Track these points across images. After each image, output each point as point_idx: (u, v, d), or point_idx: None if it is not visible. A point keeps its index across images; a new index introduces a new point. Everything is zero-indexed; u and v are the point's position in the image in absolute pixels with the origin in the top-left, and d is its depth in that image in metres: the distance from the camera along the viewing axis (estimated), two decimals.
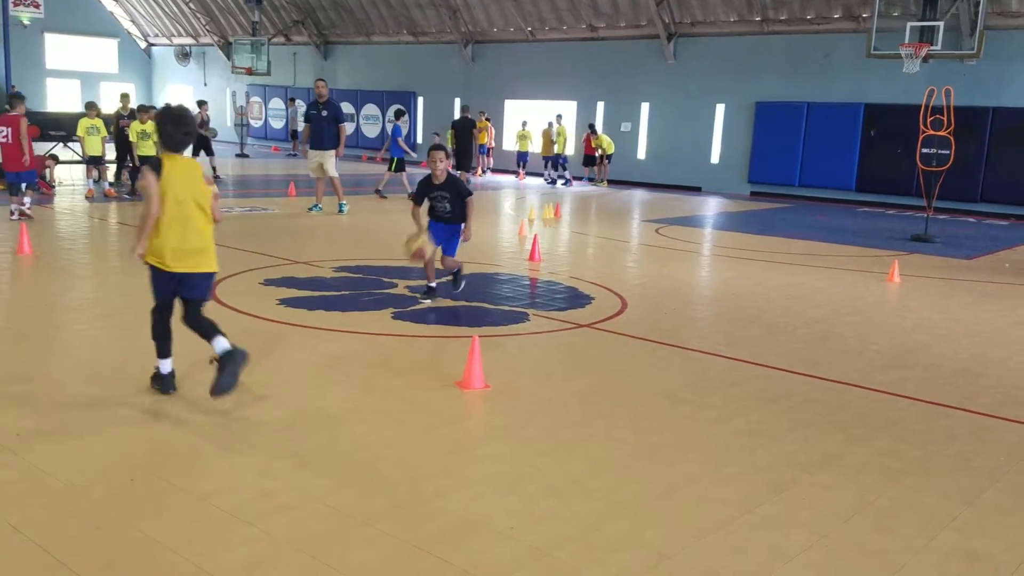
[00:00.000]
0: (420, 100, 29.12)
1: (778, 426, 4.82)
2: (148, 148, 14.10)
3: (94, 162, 14.76)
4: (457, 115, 26.25)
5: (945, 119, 13.44)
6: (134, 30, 37.95)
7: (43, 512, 3.39)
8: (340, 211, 13.86)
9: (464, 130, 19.03)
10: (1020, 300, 9.09)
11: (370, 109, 30.01)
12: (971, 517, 3.75)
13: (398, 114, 18.54)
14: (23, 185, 11.27)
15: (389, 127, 19.74)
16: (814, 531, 3.54)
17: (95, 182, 14.90)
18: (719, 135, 22.77)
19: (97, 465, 3.86)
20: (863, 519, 3.68)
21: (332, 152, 13.73)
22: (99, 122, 14.60)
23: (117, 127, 15.56)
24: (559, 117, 23.60)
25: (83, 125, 14.50)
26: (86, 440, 4.15)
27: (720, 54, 22.37)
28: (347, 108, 29.43)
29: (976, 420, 5.10)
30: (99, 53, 36.62)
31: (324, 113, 13.73)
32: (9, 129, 11.14)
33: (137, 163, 14.30)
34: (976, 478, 4.20)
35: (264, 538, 3.25)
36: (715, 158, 22.90)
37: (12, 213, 11.25)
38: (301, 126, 30.91)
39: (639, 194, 21.47)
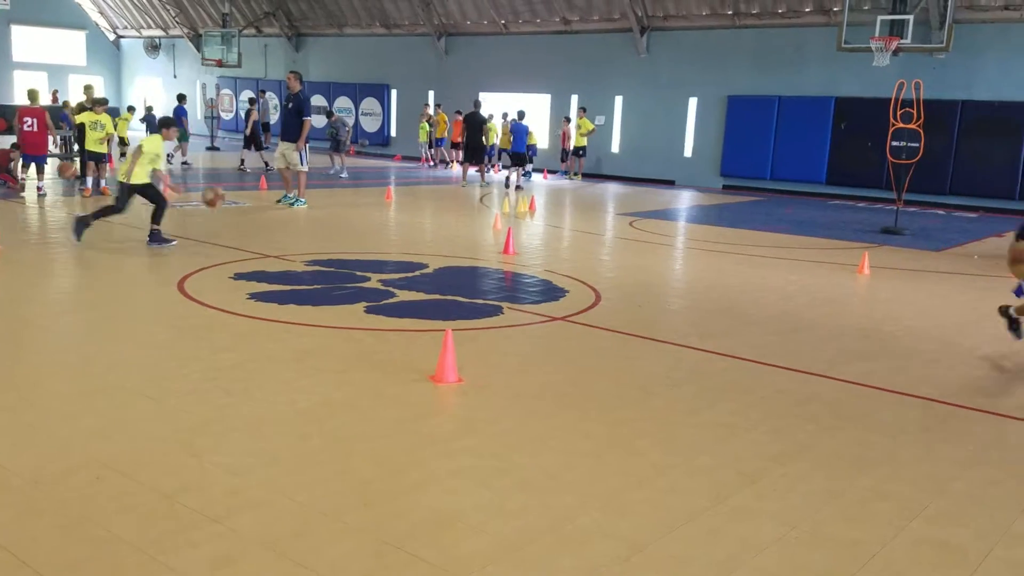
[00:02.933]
0: (393, 93, 28.95)
1: (749, 417, 4.83)
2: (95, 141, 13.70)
3: (94, 159, 14.12)
4: (427, 109, 26.27)
5: (915, 112, 13.56)
6: (102, 22, 37.38)
7: (5, 511, 3.32)
8: (291, 204, 13.73)
9: (476, 125, 19.51)
10: (988, 291, 9.20)
11: (343, 102, 29.77)
12: (941, 507, 3.78)
13: (521, 115, 20.30)
14: (44, 165, 13.80)
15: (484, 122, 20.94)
16: (785, 522, 3.55)
17: (94, 181, 14.13)
18: (692, 129, 22.83)
19: (62, 462, 3.79)
20: (834, 509, 3.70)
21: (294, 144, 13.65)
22: (105, 118, 13.77)
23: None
24: (505, 115, 23.52)
25: (87, 119, 13.71)
26: (50, 437, 4.08)
27: (692, 48, 22.43)
28: (319, 101, 29.17)
29: (946, 410, 5.14)
30: (67, 45, 36.02)
31: (290, 106, 13.93)
32: (36, 119, 13.44)
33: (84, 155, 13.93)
34: (946, 468, 4.23)
35: (231, 536, 3.21)
36: (688, 152, 22.97)
37: (39, 190, 13.44)
38: (273, 119, 30.77)
39: (613, 187, 21.50)
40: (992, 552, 3.39)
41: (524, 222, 13.48)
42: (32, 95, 14.03)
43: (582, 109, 23.23)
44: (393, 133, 29.01)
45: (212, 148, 27.42)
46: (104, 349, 5.68)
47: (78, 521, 3.27)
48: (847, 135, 20.16)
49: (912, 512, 3.70)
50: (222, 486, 3.62)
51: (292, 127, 13.81)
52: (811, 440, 4.53)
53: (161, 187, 9.59)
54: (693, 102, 22.65)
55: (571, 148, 23.22)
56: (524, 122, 20.19)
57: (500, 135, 23.45)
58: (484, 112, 20.72)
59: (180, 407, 4.55)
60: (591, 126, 22.82)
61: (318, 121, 29.55)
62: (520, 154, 19.83)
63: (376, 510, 3.48)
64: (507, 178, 19.61)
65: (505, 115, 23.38)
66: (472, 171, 20.08)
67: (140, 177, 9.33)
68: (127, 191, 9.33)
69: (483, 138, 19.89)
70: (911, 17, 17.26)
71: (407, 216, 13.86)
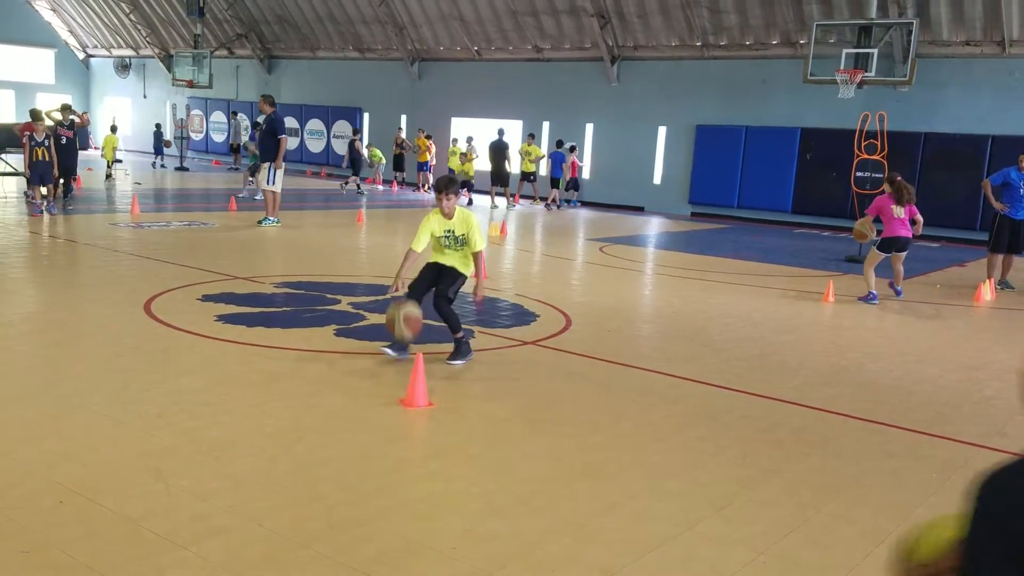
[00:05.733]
0: (366, 116, 29.00)
1: (717, 442, 4.87)
2: None
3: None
4: (400, 133, 26.33)
5: (879, 143, 13.84)
6: (72, 41, 37.11)
7: None
8: (259, 223, 13.85)
9: (499, 152, 21.37)
10: (950, 320, 9.37)
11: (315, 124, 29.77)
12: (905, 533, 3.82)
13: (559, 143, 22.57)
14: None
15: (504, 146, 21.84)
16: (753, 547, 3.58)
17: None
18: (661, 156, 23.08)
19: (24, 486, 3.73)
20: (801, 535, 3.73)
21: (267, 165, 13.87)
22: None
23: (55, 136, 15.06)
24: (469, 139, 23.54)
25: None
26: (13, 460, 4.01)
27: (662, 77, 22.73)
28: (291, 123, 29.14)
29: (909, 437, 5.22)
30: (35, 63, 35.70)
31: (264, 127, 14.24)
32: None
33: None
34: (910, 494, 4.29)
35: (198, 562, 3.17)
36: (657, 179, 23.20)
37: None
38: (244, 140, 30.73)
39: (584, 213, 21.64)
40: None
41: (495, 246, 13.51)
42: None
43: (531, 135, 23.29)
44: (366, 155, 29.01)
45: (181, 168, 27.26)
46: (68, 371, 5.60)
47: (41, 547, 3.22)
48: (812, 165, 20.49)
49: (877, 538, 3.75)
50: (189, 511, 3.58)
51: (267, 148, 14.07)
52: (778, 466, 4.57)
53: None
54: (663, 130, 22.91)
55: (578, 175, 23.26)
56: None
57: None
58: (458, 135, 21.17)
59: (146, 431, 4.50)
60: (540, 152, 22.98)
61: (316, 145, 29.64)
62: (556, 179, 22.19)
63: (344, 536, 3.46)
64: (549, 201, 22.05)
65: (470, 139, 23.40)
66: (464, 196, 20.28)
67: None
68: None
69: (506, 164, 21.61)
70: (875, 51, 17.63)
71: (379, 239, 13.85)
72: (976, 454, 4.97)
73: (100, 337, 6.54)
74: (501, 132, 22.00)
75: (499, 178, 21.60)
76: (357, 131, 23.77)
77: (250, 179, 19.25)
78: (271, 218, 13.91)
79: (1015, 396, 6.30)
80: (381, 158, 25.85)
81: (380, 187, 25.80)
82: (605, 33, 22.72)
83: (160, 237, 12.20)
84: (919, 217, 10.07)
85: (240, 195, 18.42)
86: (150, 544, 3.28)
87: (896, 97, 19.15)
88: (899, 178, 10.13)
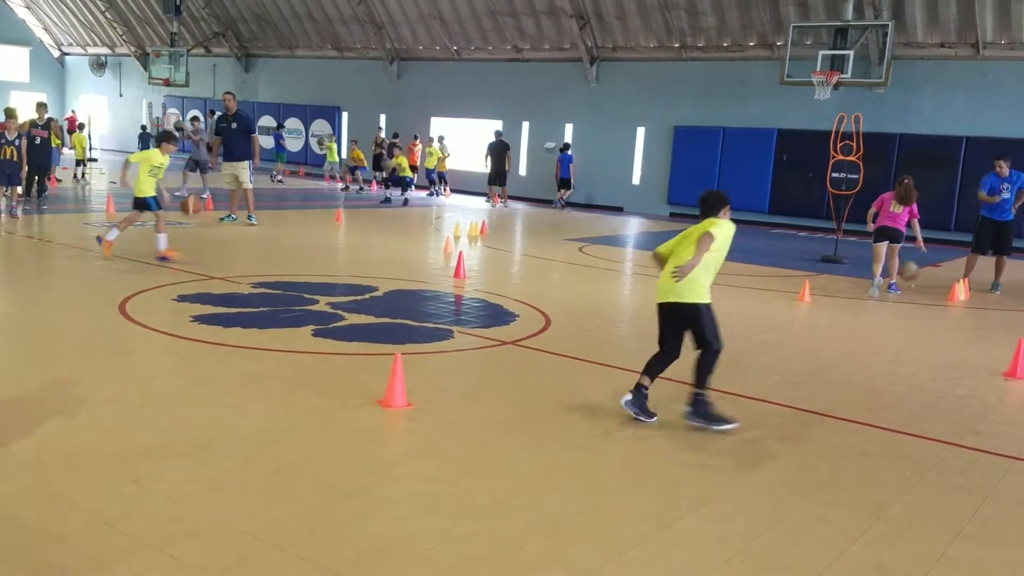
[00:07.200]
0: (345, 115, 28.88)
1: (695, 441, 4.89)
2: None
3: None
4: (380, 133, 26.24)
5: (854, 145, 13.96)
6: (47, 38, 36.70)
7: None
8: (249, 222, 13.87)
9: (499, 152, 22.20)
10: (924, 319, 9.47)
11: (293, 123, 29.61)
12: (880, 531, 3.86)
13: (566, 146, 22.79)
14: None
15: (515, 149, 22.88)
16: (730, 545, 3.59)
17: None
18: (640, 157, 23.17)
19: None
20: (777, 533, 3.76)
21: (246, 163, 13.75)
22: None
23: (30, 136, 14.87)
24: (441, 138, 24.07)
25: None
26: None
27: (640, 78, 22.81)
28: (269, 122, 28.95)
29: (884, 436, 5.27)
30: (9, 61, 35.28)
31: (234, 125, 13.98)
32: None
33: None
34: (884, 492, 4.33)
35: (173, 564, 3.14)
36: (636, 179, 23.29)
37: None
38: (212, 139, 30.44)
39: (563, 213, 21.67)
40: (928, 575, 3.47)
41: (475, 246, 13.50)
42: (8, 112, 14.33)
43: (497, 132, 23.22)
44: (343, 155, 28.91)
45: None
46: (42, 372, 5.53)
47: (14, 549, 3.18)
48: (789, 166, 20.64)
49: (852, 536, 3.78)
50: (164, 513, 3.55)
51: (239, 146, 13.90)
52: (755, 465, 4.60)
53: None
54: (641, 131, 23.00)
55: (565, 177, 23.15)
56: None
57: (439, 158, 23.78)
58: (434, 134, 22.06)
59: (120, 432, 4.45)
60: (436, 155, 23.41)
61: (293, 144, 29.40)
62: (565, 180, 22.62)
63: (321, 537, 3.44)
64: (558, 199, 22.74)
65: (441, 138, 23.77)
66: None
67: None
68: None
69: (506, 164, 22.34)
70: (851, 52, 17.78)
71: (357, 238, 13.81)
72: (950, 452, 5.02)
73: (74, 338, 6.46)
74: (499, 133, 22.67)
75: (498, 177, 22.29)
76: (396, 135, 23.76)
77: (191, 174, 18.70)
78: (251, 216, 13.85)
79: (988, 395, 6.38)
80: (362, 158, 25.73)
81: (339, 185, 25.46)
82: (584, 34, 22.77)
83: (135, 237, 12.07)
84: (915, 222, 11.01)
85: (203, 195, 18.04)
86: (125, 546, 3.24)
87: (872, 98, 19.33)
88: (907, 180, 10.80)
